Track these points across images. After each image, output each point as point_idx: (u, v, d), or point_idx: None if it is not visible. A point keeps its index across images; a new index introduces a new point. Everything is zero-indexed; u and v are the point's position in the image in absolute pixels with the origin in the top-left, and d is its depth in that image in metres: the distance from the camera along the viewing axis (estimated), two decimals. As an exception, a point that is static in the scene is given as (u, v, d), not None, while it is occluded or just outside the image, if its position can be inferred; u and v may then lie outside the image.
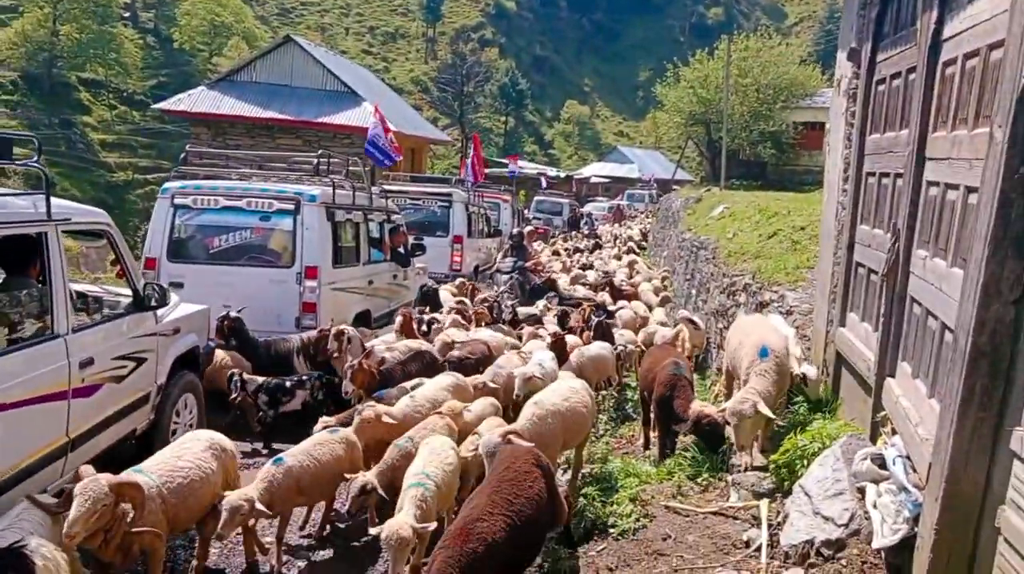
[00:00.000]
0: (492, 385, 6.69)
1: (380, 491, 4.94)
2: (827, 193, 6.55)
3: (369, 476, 5.01)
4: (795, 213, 12.19)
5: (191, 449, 4.72)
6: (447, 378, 6.64)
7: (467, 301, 11.05)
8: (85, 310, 5.70)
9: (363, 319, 9.52)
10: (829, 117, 6.69)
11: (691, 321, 8.82)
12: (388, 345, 8.03)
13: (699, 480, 5.20)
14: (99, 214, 5.91)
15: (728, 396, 6.84)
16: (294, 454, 5.07)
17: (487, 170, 30.31)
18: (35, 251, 4.95)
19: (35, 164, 5.26)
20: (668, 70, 38.74)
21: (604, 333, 8.66)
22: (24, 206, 4.84)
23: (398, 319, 8.78)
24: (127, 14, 61.04)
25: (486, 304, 10.64)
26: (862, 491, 3.78)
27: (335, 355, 7.56)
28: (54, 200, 5.01)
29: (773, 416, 5.20)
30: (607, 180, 59.59)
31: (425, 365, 7.35)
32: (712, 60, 36.19)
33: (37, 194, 4.93)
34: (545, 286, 12.71)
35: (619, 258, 19.30)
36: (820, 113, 31.60)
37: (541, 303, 11.26)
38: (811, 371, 5.77)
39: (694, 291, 12.71)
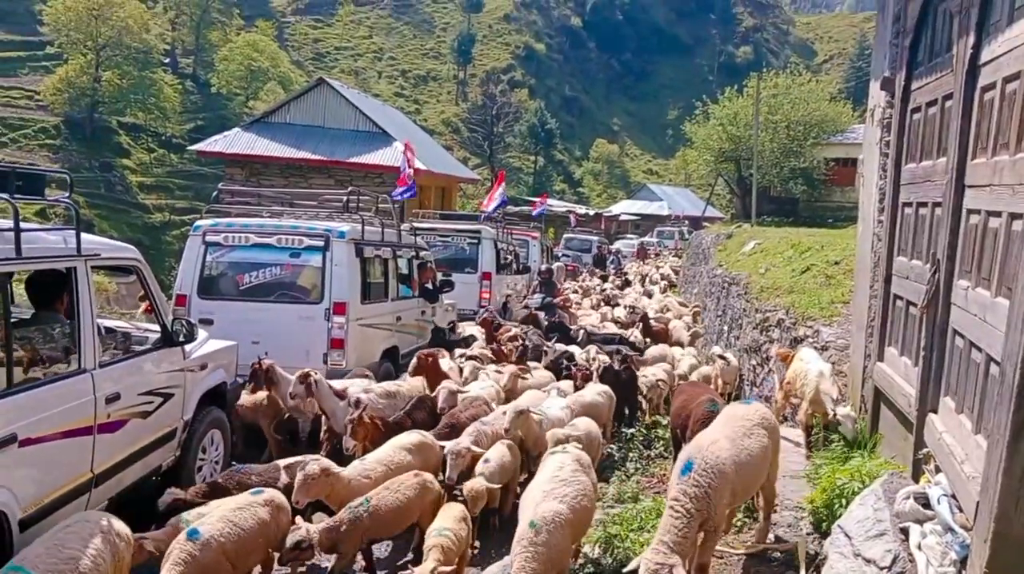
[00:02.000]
0: (475, 449, 5.91)
1: (316, 551, 4.68)
2: (862, 225, 6.42)
3: (311, 531, 4.69)
4: (828, 247, 12.00)
5: (77, 533, 3.89)
6: (411, 437, 6.01)
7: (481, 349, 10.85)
8: (112, 346, 5.71)
9: (391, 355, 9.48)
10: (863, 148, 6.59)
11: (723, 357, 8.64)
12: (364, 388, 7.48)
13: (734, 521, 5.02)
14: (129, 249, 5.97)
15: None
16: (211, 523, 4.34)
17: (515, 208, 30.48)
18: (64, 286, 4.99)
19: (66, 200, 5.33)
20: (697, 108, 38.78)
21: (614, 379, 8.47)
22: (55, 241, 4.90)
23: (413, 362, 8.16)
24: (167, 60, 62.84)
25: (515, 343, 10.40)
26: (905, 532, 3.60)
27: (298, 399, 7.09)
28: (84, 236, 5.06)
29: None
30: (637, 218, 59.56)
31: (429, 413, 6.99)
32: (741, 98, 36.18)
33: (68, 229, 5.00)
34: (556, 324, 12.49)
35: (649, 295, 19.13)
36: (852, 149, 31.34)
37: (592, 349, 10.60)
38: (844, 413, 5.51)
39: (726, 327, 12.52)
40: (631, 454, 6.99)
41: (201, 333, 6.55)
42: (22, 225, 4.41)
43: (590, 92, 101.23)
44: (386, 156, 25.71)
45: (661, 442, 7.77)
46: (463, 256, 14.70)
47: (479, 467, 5.66)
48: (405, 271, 10.53)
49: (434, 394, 7.34)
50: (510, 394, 7.81)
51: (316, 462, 5.13)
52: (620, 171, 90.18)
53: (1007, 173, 3.39)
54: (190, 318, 7.37)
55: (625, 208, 63.35)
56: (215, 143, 27.48)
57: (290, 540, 4.59)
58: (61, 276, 4.97)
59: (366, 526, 4.84)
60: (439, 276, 11.64)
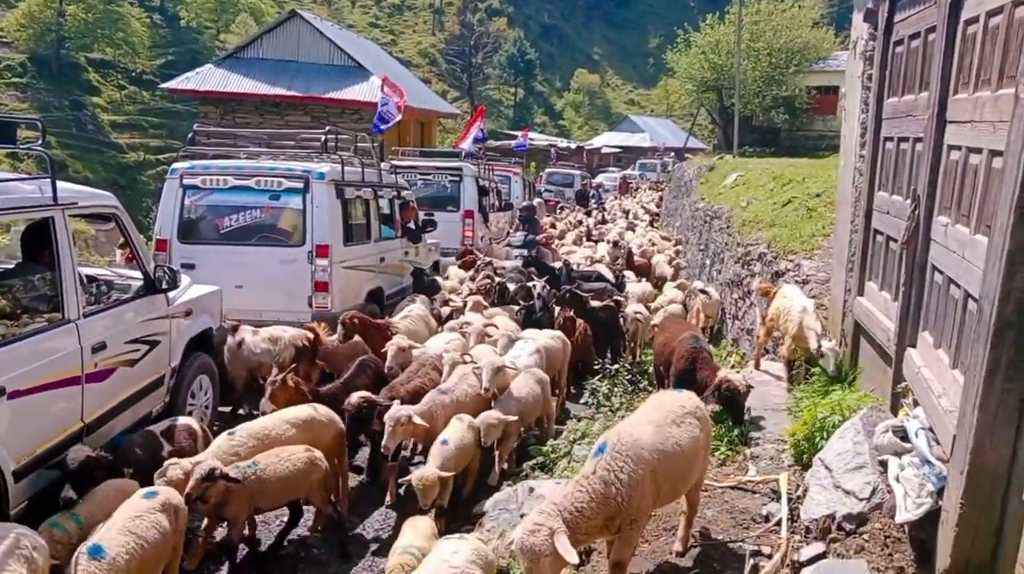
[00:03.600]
0: (418, 420, 5.30)
1: (228, 478, 4.38)
2: (843, 159, 6.42)
3: (216, 463, 4.46)
4: (810, 180, 12.02)
5: None
6: (299, 410, 5.39)
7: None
8: (96, 294, 5.68)
9: (376, 297, 9.49)
10: (845, 81, 6.54)
11: (705, 292, 8.72)
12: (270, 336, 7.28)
13: (716, 454, 5.15)
14: (107, 197, 5.88)
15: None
16: (111, 538, 3.77)
17: (496, 143, 30.13)
18: (44, 236, 4.93)
19: (39, 148, 5.22)
20: (679, 36, 38.16)
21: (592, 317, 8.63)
22: (30, 191, 4.82)
23: (339, 327, 7.41)
24: (133, -8, 60.73)
25: (487, 284, 10.30)
26: (884, 464, 3.72)
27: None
28: (61, 184, 4.97)
29: (575, 559, 3.25)
30: (619, 150, 59.11)
31: (373, 379, 6.36)
32: (723, 25, 35.62)
33: (43, 178, 4.91)
34: (533, 260, 12.43)
35: (632, 229, 19.15)
36: (834, 77, 31.09)
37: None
38: (828, 346, 5.60)
39: (708, 261, 12.60)
40: (616, 389, 7.10)
41: (184, 279, 6.52)
42: (-5, 175, 4.34)
43: (570, 20, 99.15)
44: (363, 91, 25.20)
45: (646, 377, 7.91)
46: (445, 194, 14.59)
47: (435, 449, 5.10)
48: (387, 211, 10.45)
49: (383, 352, 6.74)
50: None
51: (175, 465, 4.62)
52: (601, 102, 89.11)
53: (988, 109, 3.39)
54: (172, 264, 7.36)
55: (607, 140, 62.80)
56: (187, 80, 26.79)
57: (199, 471, 4.32)
58: (41, 226, 4.90)
59: (253, 490, 4.60)
60: (421, 215, 11.57)
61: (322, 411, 5.45)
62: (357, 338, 7.39)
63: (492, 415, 5.55)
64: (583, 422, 6.30)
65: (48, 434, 4.58)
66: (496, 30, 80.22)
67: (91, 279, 5.99)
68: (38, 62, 47.31)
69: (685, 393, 4.34)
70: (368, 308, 9.04)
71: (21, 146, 5.40)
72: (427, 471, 4.84)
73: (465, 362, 6.43)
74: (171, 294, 6.13)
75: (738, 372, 6.18)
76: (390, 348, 6.63)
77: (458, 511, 5.33)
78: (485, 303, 9.22)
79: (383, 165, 10.79)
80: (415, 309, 8.62)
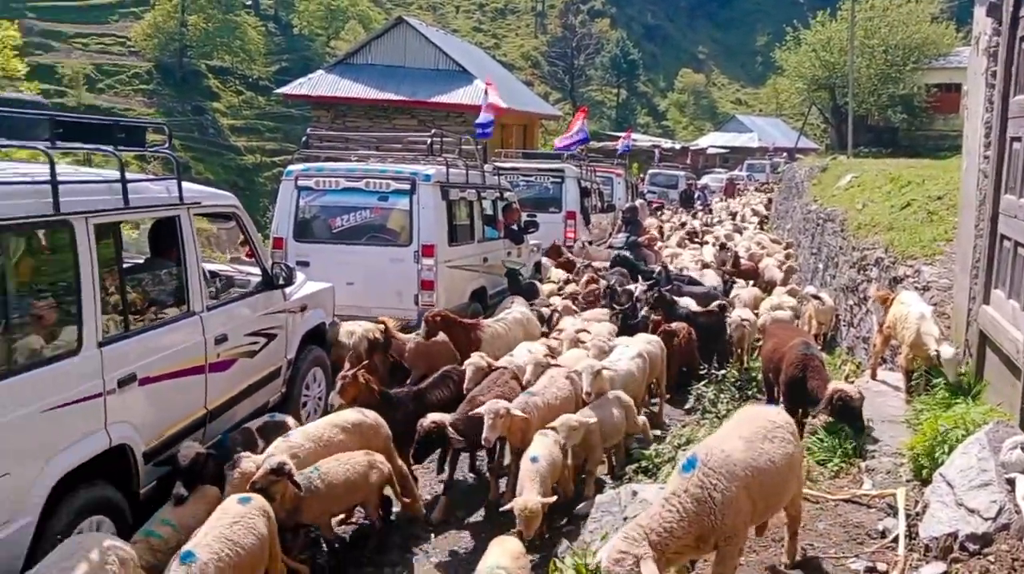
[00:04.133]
0: (517, 411, 5.22)
1: (295, 477, 4.36)
2: (966, 160, 6.08)
3: (287, 459, 4.43)
4: (930, 182, 11.42)
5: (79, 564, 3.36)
6: (351, 415, 5.32)
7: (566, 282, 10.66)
8: (218, 289, 5.99)
9: (479, 296, 9.63)
10: (967, 78, 6.20)
11: (817, 297, 8.42)
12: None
13: (829, 465, 4.96)
14: (228, 197, 6.21)
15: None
16: (205, 545, 3.73)
17: (598, 144, 30.00)
18: (171, 233, 5.24)
19: (166, 151, 5.56)
20: (788, 34, 36.94)
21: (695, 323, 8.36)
22: (159, 191, 5.13)
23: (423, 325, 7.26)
24: (249, 2, 63.58)
25: (595, 288, 10.18)
26: (1011, 483, 3.50)
27: None
28: (186, 184, 5.28)
29: None
30: (725, 150, 57.76)
31: (454, 392, 6.12)
32: (835, 21, 34.23)
33: (170, 179, 5.22)
34: (621, 259, 12.19)
35: (740, 232, 18.68)
36: (956, 74, 29.37)
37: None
38: (947, 351, 5.29)
39: (821, 265, 12.16)
40: (723, 396, 6.95)
41: (299, 275, 6.81)
42: (127, 175, 4.64)
43: (674, 20, 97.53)
44: (467, 94, 25.58)
45: (754, 385, 7.72)
46: (547, 196, 14.65)
47: (526, 469, 4.76)
48: (490, 212, 10.58)
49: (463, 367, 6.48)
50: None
51: (248, 459, 4.68)
52: (707, 102, 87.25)
53: None
54: (288, 261, 7.68)
55: (713, 141, 61.45)
56: (300, 86, 27.88)
57: (269, 463, 4.31)
58: (168, 224, 5.22)
59: (321, 495, 4.57)
60: (523, 216, 11.65)
61: (370, 415, 5.34)
62: (442, 336, 7.37)
63: (572, 418, 5.30)
64: (688, 428, 6.19)
65: (174, 419, 4.87)
66: (599, 31, 79.76)
67: (213, 274, 6.32)
68: (163, 70, 50.22)
69: (774, 408, 4.19)
70: (472, 307, 9.18)
71: (150, 149, 5.76)
72: (530, 499, 4.44)
73: (549, 365, 6.34)
74: (287, 290, 6.41)
75: (852, 382, 5.94)
76: (468, 368, 6.23)
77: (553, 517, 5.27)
78: (575, 308, 9.12)
79: (486, 167, 10.93)
80: (512, 312, 8.44)
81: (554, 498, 4.64)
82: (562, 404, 5.76)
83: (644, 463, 5.77)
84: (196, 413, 5.09)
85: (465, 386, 6.04)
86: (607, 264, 12.15)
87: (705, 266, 12.68)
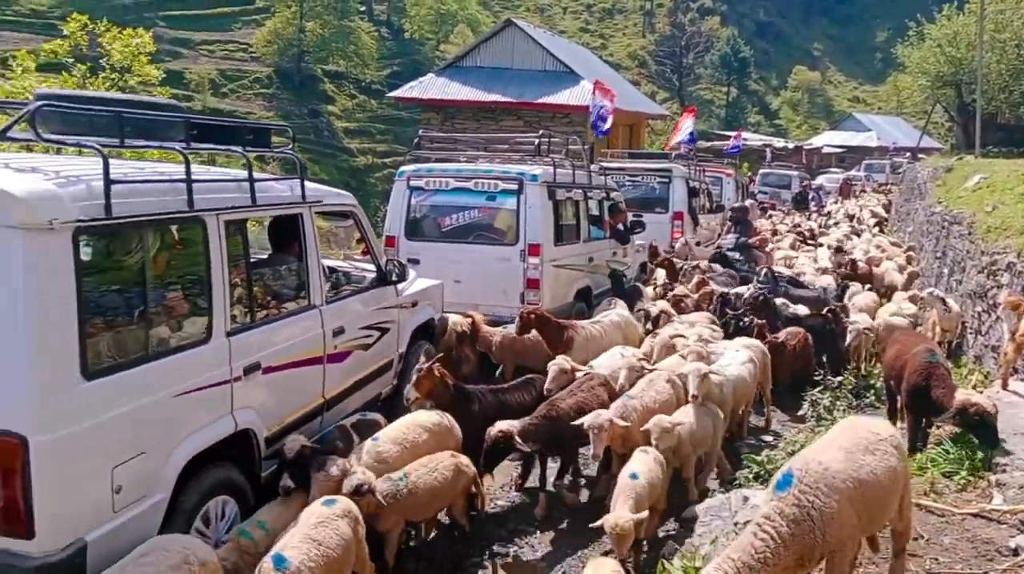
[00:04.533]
0: (620, 421, 5.14)
1: (380, 497, 4.39)
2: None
3: (368, 476, 4.45)
4: (1070, 182, 10.63)
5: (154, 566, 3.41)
6: (430, 416, 5.31)
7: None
8: (335, 284, 6.24)
9: (584, 296, 9.62)
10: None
11: (943, 301, 7.98)
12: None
13: (956, 478, 4.70)
14: (346, 196, 6.45)
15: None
16: (294, 547, 3.74)
17: (707, 143, 29.38)
18: (294, 230, 5.48)
19: (290, 152, 5.81)
20: (911, 29, 35.11)
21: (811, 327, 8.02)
22: (283, 190, 5.38)
23: (517, 319, 7.48)
24: (363, 8, 65.56)
25: (708, 290, 9.86)
26: None
27: None
28: (308, 184, 5.50)
29: None
30: (841, 150, 55.46)
31: (534, 398, 6.01)
32: (962, 15, 32.30)
33: (293, 179, 5.46)
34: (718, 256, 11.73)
35: (858, 234, 17.91)
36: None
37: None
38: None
39: (946, 270, 11.51)
40: (839, 403, 6.70)
41: (411, 273, 7.00)
42: (255, 175, 4.88)
43: (787, 16, 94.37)
44: (574, 95, 25.60)
45: (873, 392, 7.40)
46: (653, 196, 14.48)
47: (624, 484, 4.57)
48: (596, 212, 10.55)
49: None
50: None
51: (335, 464, 4.59)
52: (822, 100, 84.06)
53: None
54: (399, 258, 7.90)
55: (828, 140, 59.12)
56: (411, 89, 28.58)
57: (348, 485, 4.30)
58: (291, 221, 5.46)
59: (405, 504, 4.58)
60: (630, 217, 11.55)
61: (446, 417, 5.35)
62: (535, 334, 7.44)
63: (666, 419, 5.17)
64: (802, 434, 6.01)
65: (294, 407, 5.10)
66: (708, 29, 78.12)
67: (331, 270, 6.58)
68: (282, 75, 52.48)
69: (878, 420, 3.99)
70: (576, 307, 9.19)
71: (275, 150, 6.05)
72: (621, 516, 4.23)
73: (643, 370, 6.21)
74: (400, 286, 6.60)
75: (981, 392, 5.61)
76: (551, 369, 6.15)
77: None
78: (672, 311, 8.86)
79: (592, 167, 10.91)
80: (610, 314, 8.31)
81: (646, 514, 4.42)
82: (660, 408, 5.65)
83: (756, 469, 5.63)
84: (314, 402, 5.32)
85: (546, 386, 5.98)
86: (715, 266, 11.90)
87: (824, 271, 12.22)
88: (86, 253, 3.66)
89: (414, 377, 5.68)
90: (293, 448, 4.57)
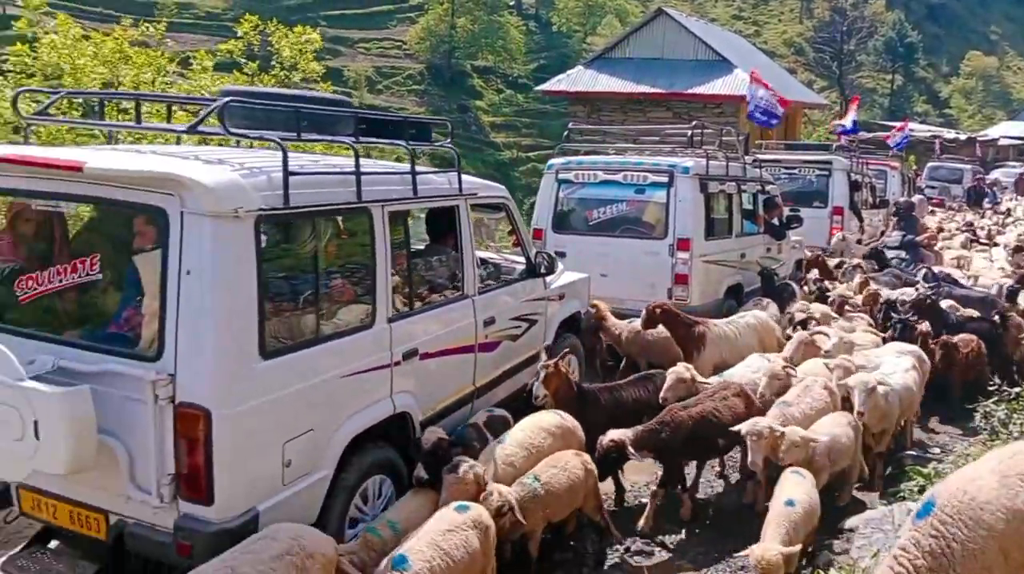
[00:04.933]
0: (779, 427, 4.89)
1: (518, 514, 4.25)
2: None
3: (506, 493, 4.30)
4: None
5: (256, 555, 3.40)
6: (553, 418, 5.17)
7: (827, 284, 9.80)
8: (487, 275, 6.36)
9: (735, 292, 9.33)
10: None
11: None
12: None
13: None
14: (500, 189, 6.57)
15: None
16: (418, 551, 3.68)
17: (868, 134, 27.71)
18: (450, 222, 5.65)
19: (449, 145, 5.97)
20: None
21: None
22: (441, 182, 5.55)
23: (643, 313, 7.22)
24: (512, 2, 66.38)
25: (872, 291, 9.18)
26: None
27: None
28: (464, 177, 5.66)
29: None
30: (1020, 142, 50.77)
31: (646, 397, 5.85)
32: None
33: (451, 172, 5.62)
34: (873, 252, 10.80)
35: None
36: None
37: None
38: None
39: None
40: (1016, 416, 6.15)
41: (559, 265, 7.04)
42: (416, 168, 5.05)
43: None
44: (727, 85, 24.88)
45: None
46: (811, 189, 13.81)
47: (777, 512, 4.23)
48: (750, 206, 10.19)
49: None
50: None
51: (467, 465, 4.37)
52: (998, 87, 77.21)
53: None
54: (546, 251, 7.96)
55: (1005, 131, 54.16)
56: (559, 82, 28.69)
57: (489, 508, 4.14)
58: (448, 213, 5.63)
59: (544, 504, 4.50)
60: (786, 211, 11.09)
61: (568, 418, 5.23)
62: (662, 329, 7.25)
63: (799, 432, 4.84)
64: (975, 448, 5.58)
65: (447, 393, 5.27)
66: (872, 14, 73.48)
67: (483, 261, 6.72)
68: (433, 71, 54.03)
69: None
70: (727, 304, 8.93)
71: (435, 144, 6.23)
72: (770, 549, 3.87)
73: (788, 378, 5.88)
74: (548, 278, 6.66)
75: None
76: (669, 376, 5.80)
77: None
78: (834, 314, 8.31)
79: (747, 159, 10.53)
80: (746, 316, 7.85)
81: (798, 548, 4.06)
82: (817, 416, 5.38)
83: (922, 482, 5.28)
84: (465, 389, 5.47)
85: (661, 394, 5.67)
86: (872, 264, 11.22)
87: (1006, 275, 11.23)
88: (265, 240, 3.91)
89: (540, 374, 5.62)
90: (430, 439, 4.57)
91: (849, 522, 4.90)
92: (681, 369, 5.87)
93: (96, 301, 4.14)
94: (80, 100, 9.13)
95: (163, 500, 3.60)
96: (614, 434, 5.08)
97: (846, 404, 5.58)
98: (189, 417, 3.57)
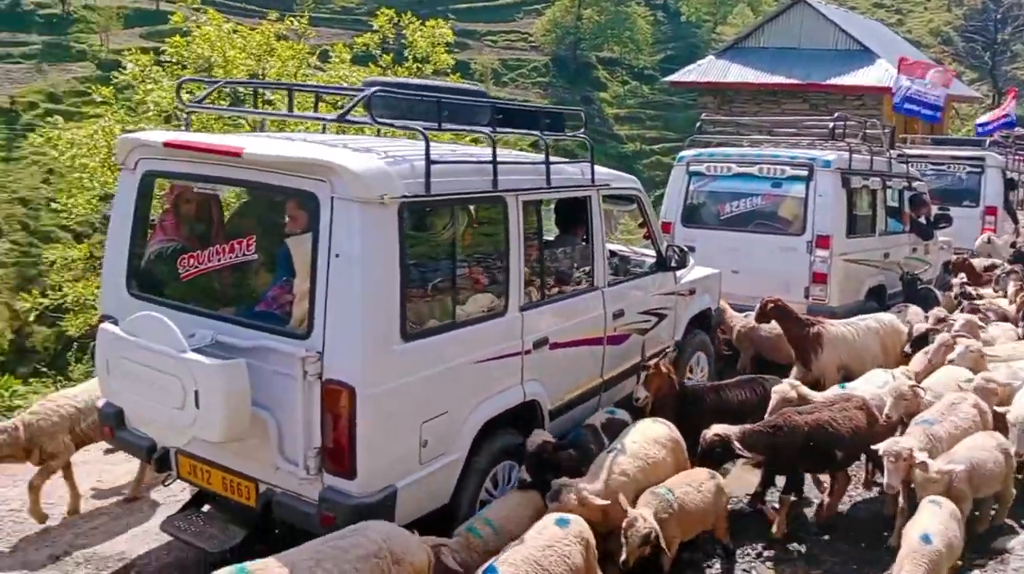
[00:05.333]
0: (920, 454, 4.49)
1: (664, 543, 4.05)
2: None
3: (650, 520, 4.05)
4: None
5: (341, 550, 3.34)
6: (659, 428, 4.94)
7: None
8: (616, 267, 6.29)
9: (877, 294, 8.85)
10: None
11: None
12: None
13: None
14: (632, 180, 6.48)
15: None
16: (513, 564, 3.54)
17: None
18: (581, 212, 5.61)
19: (583, 135, 5.94)
20: None
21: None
22: (574, 172, 5.53)
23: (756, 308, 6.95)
24: (640, -8, 65.48)
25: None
26: None
27: None
28: (596, 168, 5.59)
29: None
30: None
31: (754, 401, 5.60)
32: None
33: (584, 162, 5.59)
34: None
35: None
36: None
37: None
38: None
39: None
40: None
41: (690, 260, 6.88)
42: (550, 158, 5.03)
43: None
44: (868, 76, 23.59)
45: None
46: (961, 187, 12.92)
47: (912, 545, 3.89)
48: (895, 203, 9.63)
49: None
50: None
51: (569, 488, 4.19)
52: None
53: None
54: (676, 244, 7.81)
55: None
56: (689, 73, 27.99)
57: (637, 535, 3.94)
58: (579, 203, 5.60)
59: (679, 518, 4.30)
60: (934, 210, 10.42)
61: (673, 428, 5.01)
62: (774, 325, 6.94)
63: (933, 467, 4.43)
64: None
65: (575, 384, 5.27)
66: (1032, -2, 67.89)
67: (612, 253, 6.65)
68: (558, 62, 54.09)
69: None
70: (867, 306, 8.49)
71: (569, 134, 6.20)
72: None
73: (916, 397, 5.35)
74: (678, 273, 6.52)
75: None
76: (773, 396, 5.42)
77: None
78: (981, 324, 7.38)
79: (892, 153, 9.96)
80: (868, 318, 7.29)
81: None
82: (963, 436, 4.94)
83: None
84: (593, 381, 5.44)
85: (767, 415, 5.27)
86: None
87: None
88: (407, 226, 4.01)
89: (642, 375, 5.50)
90: (535, 442, 4.49)
91: (1004, 543, 4.56)
92: (786, 387, 5.50)
93: (250, 280, 4.39)
94: (228, 90, 9.66)
95: (309, 472, 3.77)
96: (719, 428, 4.87)
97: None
98: (335, 393, 3.71)
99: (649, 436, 4.83)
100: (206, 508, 4.50)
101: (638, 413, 5.42)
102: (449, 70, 17.22)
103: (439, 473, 4.14)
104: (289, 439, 3.82)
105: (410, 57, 15.92)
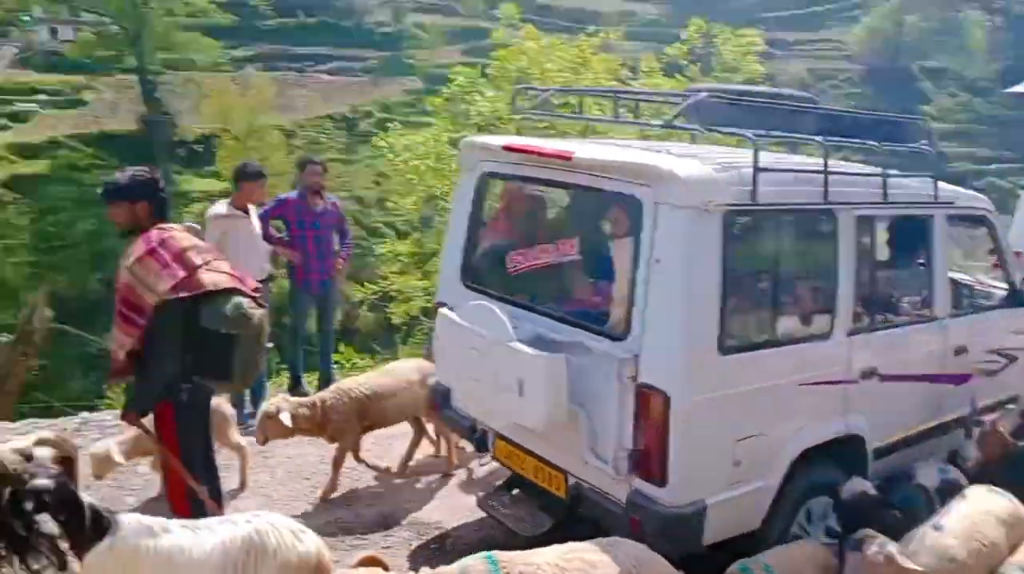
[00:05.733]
0: None
1: None
2: None
3: None
4: None
5: (593, 565, 3.26)
6: (999, 501, 4.09)
7: None
8: (959, 297, 5.60)
9: None
10: None
11: None
12: None
13: None
14: (982, 200, 5.73)
15: None
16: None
17: None
18: (919, 232, 5.04)
19: (927, 147, 5.33)
20: None
21: None
22: (914, 187, 4.98)
23: None
24: (974, -5, 58.42)
25: None
26: None
27: None
28: (940, 184, 5.01)
29: None
30: None
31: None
32: None
33: (925, 176, 5.01)
34: None
35: None
36: None
37: None
38: None
39: None
40: None
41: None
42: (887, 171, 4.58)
43: None
44: None
45: None
46: None
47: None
48: None
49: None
50: None
51: (880, 549, 3.56)
52: None
53: None
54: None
55: None
56: (1034, 84, 24.43)
57: None
58: (918, 223, 5.03)
59: None
60: None
61: (1016, 502, 4.14)
62: None
63: None
64: None
65: (905, 423, 4.74)
66: None
67: (952, 282, 5.92)
68: (874, 73, 50.13)
69: None
70: None
71: (910, 145, 5.60)
72: None
73: None
74: (1034, 312, 5.62)
75: None
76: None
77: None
78: None
79: None
80: None
81: None
82: None
83: None
84: (926, 423, 4.87)
85: None
86: None
87: None
88: (731, 236, 3.85)
89: (975, 432, 4.84)
90: (854, 489, 3.95)
91: None
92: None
93: (572, 279, 4.51)
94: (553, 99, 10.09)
95: (618, 472, 3.77)
96: None
97: None
98: (650, 398, 3.68)
99: (986, 510, 4.05)
100: (515, 492, 4.71)
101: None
102: (760, 80, 16.62)
103: (750, 496, 3.93)
104: (600, 437, 3.86)
105: (718, 67, 15.62)
